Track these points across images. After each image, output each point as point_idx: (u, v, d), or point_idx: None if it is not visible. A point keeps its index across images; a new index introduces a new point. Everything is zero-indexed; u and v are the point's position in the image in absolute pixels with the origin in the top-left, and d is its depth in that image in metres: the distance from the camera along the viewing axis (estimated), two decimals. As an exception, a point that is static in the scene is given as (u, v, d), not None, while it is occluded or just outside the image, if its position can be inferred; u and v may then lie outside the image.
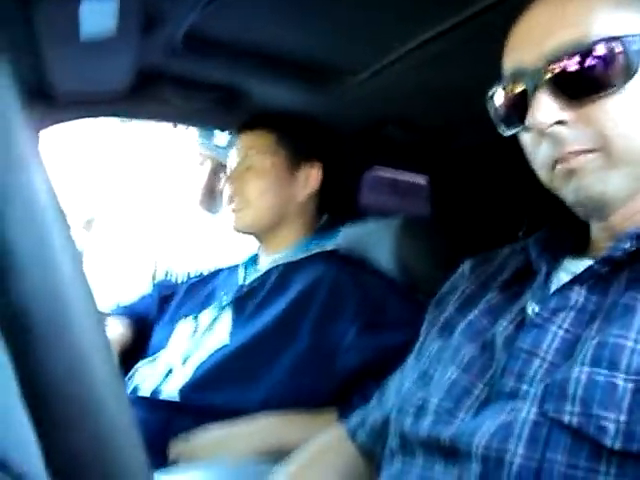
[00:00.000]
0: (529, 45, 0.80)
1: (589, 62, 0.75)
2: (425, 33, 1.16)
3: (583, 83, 0.76)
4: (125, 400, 0.37)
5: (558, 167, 0.80)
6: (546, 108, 0.77)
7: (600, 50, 0.75)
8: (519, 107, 0.82)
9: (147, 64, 1.44)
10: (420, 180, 2.12)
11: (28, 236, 0.33)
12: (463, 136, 1.73)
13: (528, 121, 0.79)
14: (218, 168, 2.31)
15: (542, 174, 0.83)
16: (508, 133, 0.85)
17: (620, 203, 0.79)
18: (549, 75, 0.77)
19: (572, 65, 0.76)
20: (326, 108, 1.62)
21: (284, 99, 1.61)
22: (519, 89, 0.81)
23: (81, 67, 1.34)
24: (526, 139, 0.83)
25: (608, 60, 0.75)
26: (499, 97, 0.85)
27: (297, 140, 1.65)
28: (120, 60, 1.33)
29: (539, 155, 0.81)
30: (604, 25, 0.76)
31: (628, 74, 0.75)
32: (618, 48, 0.75)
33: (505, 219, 1.80)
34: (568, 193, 0.80)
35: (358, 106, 1.60)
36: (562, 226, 0.90)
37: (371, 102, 1.56)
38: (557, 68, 0.77)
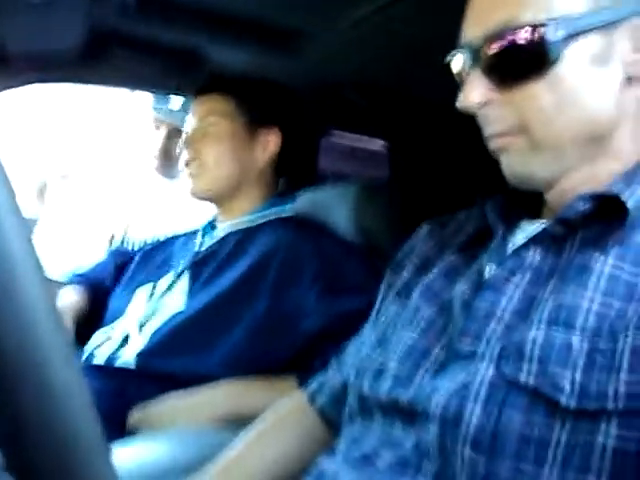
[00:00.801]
0: (474, 21, 0.80)
1: (513, 46, 0.75)
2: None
3: (509, 66, 0.77)
4: (77, 368, 0.36)
5: (491, 144, 0.82)
6: (475, 88, 0.78)
7: (525, 35, 0.75)
8: (460, 82, 0.83)
9: (100, 25, 1.41)
10: (378, 145, 2.12)
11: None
12: (420, 101, 1.72)
13: (460, 100, 0.80)
14: (173, 133, 2.28)
15: (487, 145, 0.84)
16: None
17: (553, 180, 0.81)
18: (483, 55, 0.78)
19: (502, 47, 0.76)
20: (284, 70, 1.61)
21: (241, 62, 1.59)
22: (462, 63, 0.82)
23: (31, 28, 1.30)
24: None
25: (532, 45, 0.74)
26: (452, 64, 0.85)
27: (256, 105, 1.63)
28: (71, 20, 1.30)
29: (481, 128, 0.83)
30: (537, 6, 0.75)
31: (549, 61, 0.75)
32: (542, 34, 0.74)
33: (462, 184, 1.81)
34: (502, 166, 0.82)
35: (316, 68, 1.59)
36: (518, 190, 0.90)
37: (329, 64, 1.55)
38: (490, 48, 0.77)
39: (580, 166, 0.79)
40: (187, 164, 1.61)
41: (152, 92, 2.22)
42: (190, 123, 1.64)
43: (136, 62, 1.59)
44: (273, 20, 1.38)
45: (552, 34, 0.74)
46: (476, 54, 0.78)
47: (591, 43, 0.75)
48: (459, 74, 0.84)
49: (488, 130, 0.81)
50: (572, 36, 0.74)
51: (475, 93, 0.78)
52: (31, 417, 0.32)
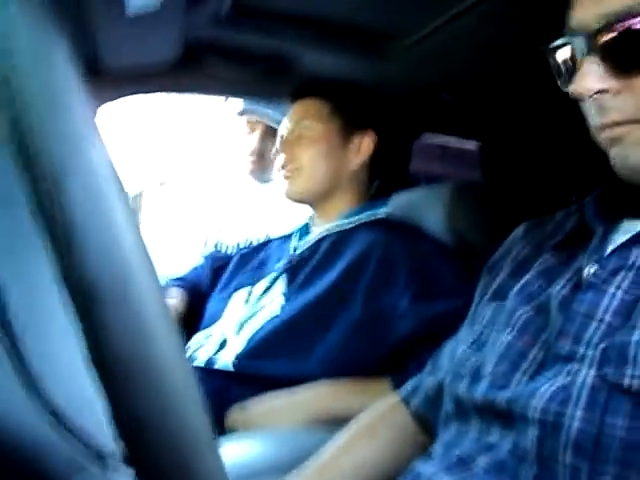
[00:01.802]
0: (588, 5, 0.77)
1: (639, 31, 0.72)
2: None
3: (631, 53, 0.74)
4: (188, 366, 0.37)
5: (603, 134, 0.78)
6: (591, 75, 0.75)
7: None
8: (570, 68, 0.80)
9: (194, 37, 1.44)
10: (470, 146, 2.10)
11: (89, 210, 0.34)
12: (515, 100, 1.70)
13: (572, 87, 0.77)
14: (268, 134, 2.30)
15: (595, 137, 0.81)
16: (564, 90, 0.83)
17: None
18: (600, 40, 0.75)
19: (623, 32, 0.73)
20: (376, 74, 1.61)
21: (334, 66, 1.60)
22: (572, 50, 0.79)
23: (128, 42, 1.34)
24: (582, 104, 0.81)
25: None
26: (557, 54, 0.83)
27: (350, 109, 1.65)
28: (167, 33, 1.33)
29: (590, 119, 0.80)
30: None
31: None
32: None
33: (558, 184, 1.77)
34: (612, 159, 0.79)
35: (409, 71, 1.58)
36: (618, 188, 0.88)
37: (422, 66, 1.54)
38: (608, 34, 0.74)
39: None
40: (283, 167, 1.63)
41: (246, 98, 2.26)
42: (285, 126, 1.67)
43: (230, 70, 1.62)
44: (363, 24, 1.38)
45: None
46: (592, 39, 0.75)
47: None
48: (566, 61, 0.81)
49: (602, 119, 0.77)
50: None
51: (591, 79, 0.75)
52: (149, 415, 0.34)
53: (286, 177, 1.63)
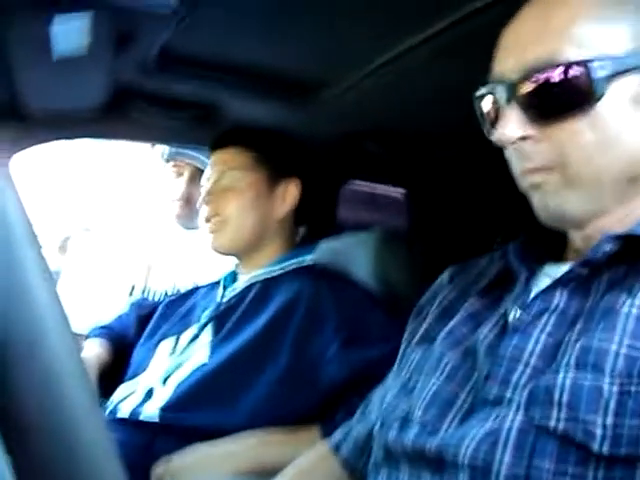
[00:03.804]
0: (509, 56, 0.79)
1: (557, 82, 0.75)
2: (401, 45, 1.16)
3: (549, 102, 0.76)
4: (102, 424, 0.36)
5: (524, 180, 0.81)
6: (513, 123, 0.78)
7: (568, 72, 0.74)
8: (493, 117, 0.82)
9: (121, 82, 1.43)
10: (397, 193, 2.13)
11: (1, 260, 0.33)
12: (440, 147, 1.73)
13: (495, 134, 0.80)
14: (195, 178, 2.29)
15: (518, 183, 0.83)
16: (489, 138, 0.85)
17: (584, 220, 0.80)
18: (520, 90, 0.77)
19: (541, 83, 0.76)
20: (303, 122, 1.62)
21: (260, 114, 1.61)
22: (495, 98, 0.82)
23: (54, 86, 1.32)
24: (505, 150, 0.83)
25: (575, 83, 0.74)
26: (482, 102, 0.85)
27: (275, 157, 1.64)
28: (93, 78, 1.32)
29: (513, 165, 0.82)
30: (581, 43, 0.75)
31: (593, 98, 0.74)
32: (586, 72, 0.74)
33: (482, 229, 1.81)
34: (534, 203, 0.82)
35: (335, 119, 1.60)
36: (540, 233, 0.90)
37: (348, 114, 1.56)
38: (528, 83, 0.77)
39: (615, 207, 0.79)
40: (208, 220, 1.61)
41: (172, 145, 2.25)
42: (208, 177, 1.65)
43: (156, 116, 1.61)
44: (290, 72, 1.39)
45: (597, 72, 0.74)
46: (513, 89, 0.78)
47: (632, 83, 0.75)
48: (489, 111, 0.83)
49: (523, 165, 0.80)
50: (615, 75, 0.74)
51: (512, 127, 0.78)
52: (58, 472, 0.32)
53: (211, 230, 1.61)
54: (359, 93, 1.41)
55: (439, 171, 1.90)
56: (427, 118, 1.54)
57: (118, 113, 1.58)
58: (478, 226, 1.86)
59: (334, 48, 1.24)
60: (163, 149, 2.32)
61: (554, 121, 0.76)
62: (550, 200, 0.79)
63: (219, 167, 1.63)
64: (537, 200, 0.81)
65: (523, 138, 0.78)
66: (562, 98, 0.76)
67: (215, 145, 1.66)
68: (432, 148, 1.74)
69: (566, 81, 0.75)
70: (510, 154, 0.82)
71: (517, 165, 0.81)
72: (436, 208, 1.98)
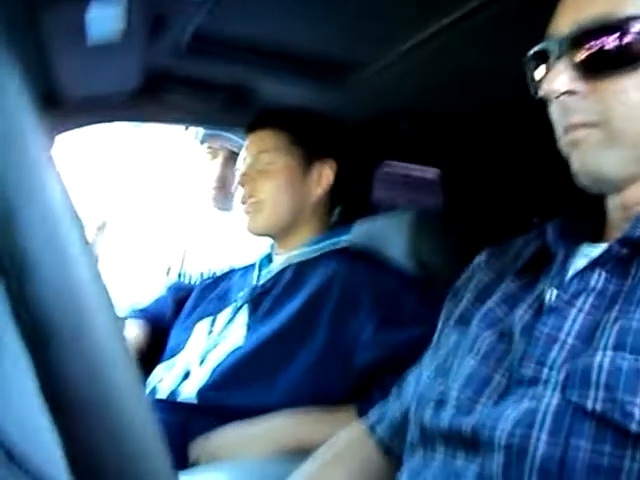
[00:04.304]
0: (566, 13, 0.79)
1: (615, 37, 0.75)
2: (435, 24, 1.15)
3: (602, 57, 0.76)
4: (146, 403, 0.37)
5: (565, 137, 0.80)
6: (560, 77, 0.78)
7: (628, 27, 0.74)
8: (544, 73, 0.82)
9: (155, 66, 1.44)
10: (431, 173, 2.12)
11: (43, 241, 0.33)
12: (474, 127, 1.72)
13: (542, 87, 0.80)
14: (230, 160, 2.30)
15: (559, 142, 0.83)
16: (537, 96, 0.85)
17: (622, 182, 0.79)
18: (573, 44, 0.77)
19: (597, 38, 0.76)
20: (336, 103, 1.61)
21: (294, 95, 1.61)
22: (546, 55, 0.81)
23: (89, 71, 1.34)
24: (550, 106, 0.83)
25: (635, 38, 0.74)
26: (532, 61, 0.85)
27: (310, 139, 1.64)
28: (128, 63, 1.33)
29: (555, 122, 0.82)
30: (636, 2, 0.74)
31: None
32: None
33: (518, 209, 1.80)
34: (572, 162, 0.81)
35: (368, 100, 1.59)
36: (578, 213, 0.89)
37: (381, 95, 1.56)
38: (580, 39, 0.77)
39: None
40: (243, 202, 1.62)
41: (206, 128, 2.26)
42: (244, 159, 1.66)
43: (189, 99, 1.62)
44: (323, 54, 1.39)
45: None
46: (567, 44, 0.78)
47: None
48: (539, 68, 0.83)
49: (566, 120, 0.79)
50: None
51: (560, 81, 0.77)
52: (104, 452, 0.33)
53: (247, 212, 1.62)
54: (392, 73, 1.40)
55: (473, 151, 1.88)
56: (460, 98, 1.52)
57: (152, 97, 1.59)
58: (513, 206, 1.85)
59: (366, 28, 1.23)
60: (197, 131, 2.33)
61: (602, 77, 0.76)
62: (590, 158, 0.78)
63: (254, 149, 1.64)
64: (576, 159, 0.80)
65: (570, 93, 0.77)
66: (614, 55, 0.75)
67: (250, 127, 1.67)
68: (466, 128, 1.72)
69: (619, 38, 0.74)
70: (554, 110, 0.82)
71: (560, 120, 0.81)
72: (471, 188, 1.97)
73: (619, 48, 0.75)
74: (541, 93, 0.80)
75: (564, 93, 0.78)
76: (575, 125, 0.79)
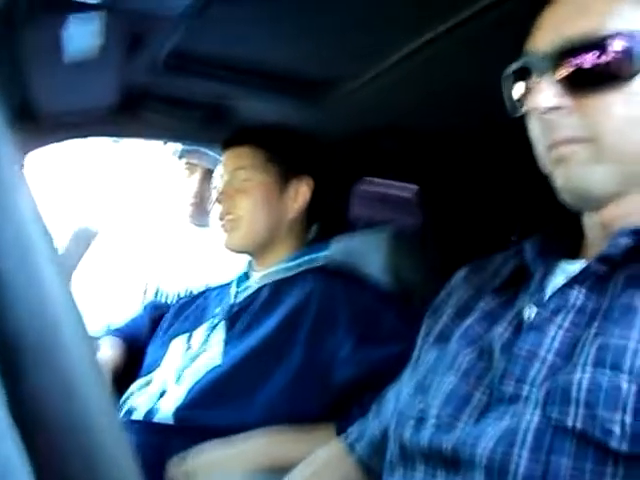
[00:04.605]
0: (546, 30, 0.80)
1: (598, 54, 0.75)
2: (413, 41, 1.15)
3: (588, 73, 0.76)
4: (118, 423, 0.36)
5: (549, 153, 0.80)
6: (546, 93, 0.78)
7: (611, 44, 0.75)
8: (524, 90, 0.82)
9: (132, 83, 1.44)
10: (409, 191, 2.12)
11: (15, 260, 0.33)
12: (453, 144, 1.72)
13: (527, 103, 0.80)
14: (207, 176, 2.30)
15: (540, 159, 0.83)
16: (515, 115, 0.85)
17: (605, 199, 0.79)
18: (556, 61, 0.78)
19: (580, 55, 0.76)
20: (314, 120, 1.62)
21: (272, 113, 1.61)
22: (527, 72, 0.82)
23: (66, 87, 1.33)
24: (531, 123, 0.83)
25: (617, 55, 0.74)
26: (511, 78, 0.85)
27: (286, 156, 1.64)
28: (105, 80, 1.33)
29: (539, 138, 0.82)
30: (621, 20, 0.75)
31: (630, 73, 0.75)
32: (629, 44, 0.74)
33: (496, 227, 1.80)
34: (557, 178, 0.81)
35: (347, 116, 1.59)
36: (556, 231, 0.89)
37: (360, 112, 1.56)
38: (566, 56, 0.77)
39: (636, 191, 0.78)
40: (221, 218, 1.62)
41: (183, 144, 2.26)
42: (221, 176, 1.66)
43: (167, 116, 1.62)
44: (300, 71, 1.39)
45: (638, 46, 0.74)
46: (550, 61, 0.78)
47: None
48: (519, 85, 0.83)
49: (551, 137, 0.79)
50: None
51: (545, 96, 0.77)
52: (77, 474, 0.32)
53: (225, 229, 1.62)
54: (370, 91, 1.40)
55: (452, 168, 1.89)
56: (440, 115, 1.53)
57: (130, 113, 1.59)
58: (492, 224, 1.85)
59: (345, 46, 1.24)
60: (175, 147, 2.33)
61: (588, 93, 0.76)
62: (575, 173, 0.78)
63: (230, 166, 1.64)
64: (561, 175, 0.80)
65: (556, 108, 0.77)
66: (600, 71, 0.76)
67: (226, 144, 1.66)
68: (445, 145, 1.73)
69: (606, 54, 0.75)
70: (535, 127, 0.82)
71: (545, 137, 0.80)
72: (449, 205, 1.97)
73: (603, 65, 0.75)
74: (525, 109, 0.80)
75: (550, 109, 0.78)
76: (561, 141, 0.78)
